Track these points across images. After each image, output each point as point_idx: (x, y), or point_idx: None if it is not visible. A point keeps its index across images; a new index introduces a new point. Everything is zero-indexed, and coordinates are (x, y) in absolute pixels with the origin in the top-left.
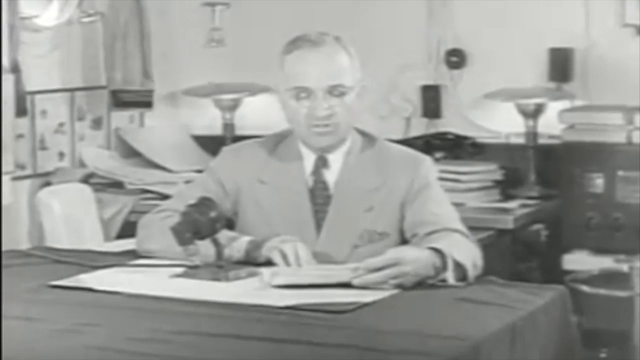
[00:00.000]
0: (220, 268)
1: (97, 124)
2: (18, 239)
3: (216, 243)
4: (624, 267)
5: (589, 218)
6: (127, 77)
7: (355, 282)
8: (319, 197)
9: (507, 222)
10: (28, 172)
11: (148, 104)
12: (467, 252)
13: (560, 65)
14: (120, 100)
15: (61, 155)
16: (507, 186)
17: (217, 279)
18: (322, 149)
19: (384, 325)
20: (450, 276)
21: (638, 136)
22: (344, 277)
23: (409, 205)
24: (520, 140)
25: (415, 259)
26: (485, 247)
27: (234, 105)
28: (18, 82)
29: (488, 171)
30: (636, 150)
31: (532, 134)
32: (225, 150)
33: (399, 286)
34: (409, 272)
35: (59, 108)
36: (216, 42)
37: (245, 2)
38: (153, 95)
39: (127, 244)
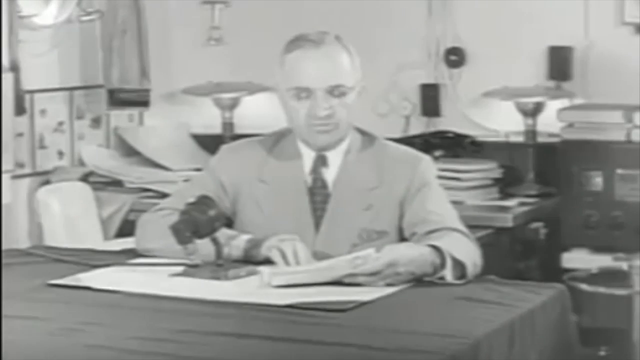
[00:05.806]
0: (220, 267)
1: (96, 122)
2: (17, 237)
3: (215, 242)
4: (623, 266)
5: (588, 216)
6: (124, 76)
7: (347, 280)
8: (318, 195)
9: (506, 221)
10: (27, 170)
11: (145, 104)
12: (466, 251)
13: (560, 64)
14: (117, 99)
15: (60, 154)
16: (506, 184)
17: (217, 278)
18: (322, 147)
19: (383, 324)
20: (448, 274)
21: (637, 134)
22: (342, 270)
23: (408, 204)
24: (520, 139)
25: (409, 261)
26: (484, 245)
27: (233, 104)
28: (17, 81)
29: (487, 169)
30: (635, 149)
31: (531, 133)
32: (224, 148)
33: (390, 284)
34: (401, 273)
35: (58, 107)
36: (215, 40)
37: (244, 1)
38: (150, 95)
39: (126, 243)
